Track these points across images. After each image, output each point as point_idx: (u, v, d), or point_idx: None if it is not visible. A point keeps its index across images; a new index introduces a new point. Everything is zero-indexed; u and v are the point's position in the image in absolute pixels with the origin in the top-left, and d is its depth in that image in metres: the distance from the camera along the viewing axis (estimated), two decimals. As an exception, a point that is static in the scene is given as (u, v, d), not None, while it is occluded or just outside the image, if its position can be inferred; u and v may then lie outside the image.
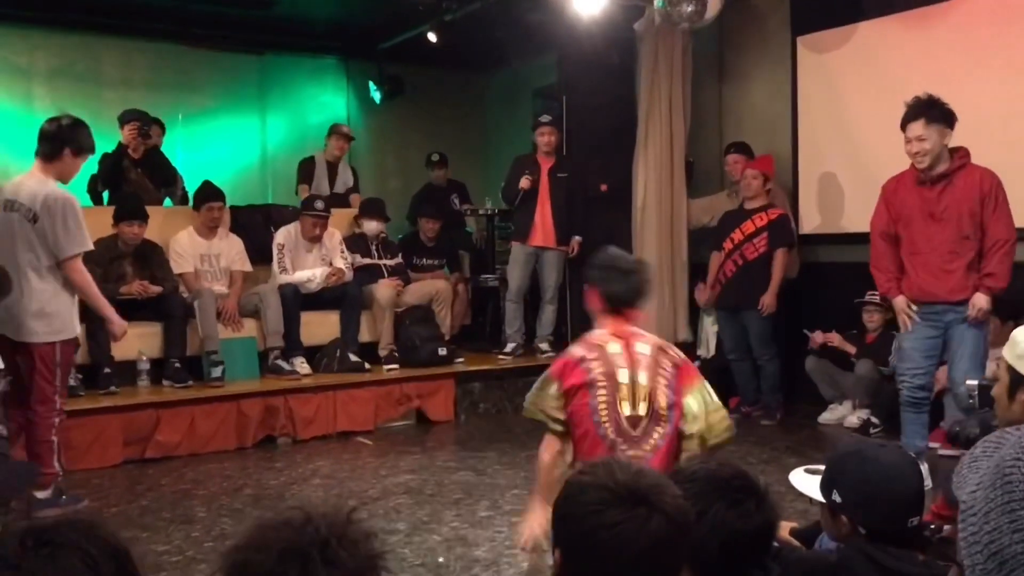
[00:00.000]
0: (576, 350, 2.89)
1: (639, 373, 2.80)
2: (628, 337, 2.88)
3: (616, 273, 2.98)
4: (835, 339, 6.15)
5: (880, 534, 1.93)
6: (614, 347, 2.85)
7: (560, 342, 7.31)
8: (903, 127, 4.57)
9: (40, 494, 4.26)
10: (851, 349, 6.05)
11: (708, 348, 7.09)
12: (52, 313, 4.30)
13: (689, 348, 7.24)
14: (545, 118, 7.13)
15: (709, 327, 7.08)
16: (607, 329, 2.91)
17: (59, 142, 4.31)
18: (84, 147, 4.38)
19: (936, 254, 4.58)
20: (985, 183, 4.50)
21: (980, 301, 4.47)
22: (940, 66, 5.90)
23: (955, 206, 4.53)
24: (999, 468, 0.92)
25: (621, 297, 2.94)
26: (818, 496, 2.07)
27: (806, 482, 2.18)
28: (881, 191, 4.88)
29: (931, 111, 4.46)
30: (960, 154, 4.60)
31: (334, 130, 7.64)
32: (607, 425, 2.76)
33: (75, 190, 6.58)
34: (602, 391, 2.77)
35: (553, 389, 2.85)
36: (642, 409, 2.76)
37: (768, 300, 6.15)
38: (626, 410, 2.75)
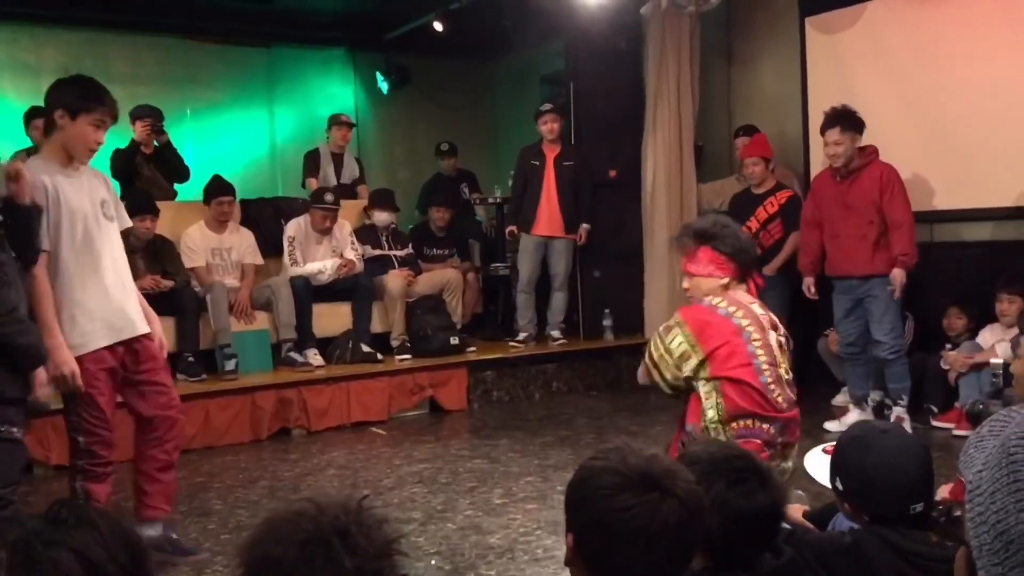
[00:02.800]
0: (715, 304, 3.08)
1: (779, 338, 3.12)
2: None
3: (741, 237, 3.22)
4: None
5: (884, 519, 1.93)
6: (757, 308, 3.11)
7: (571, 330, 7.33)
8: (822, 133, 5.36)
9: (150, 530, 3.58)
10: None
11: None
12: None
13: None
14: (546, 106, 7.12)
15: (721, 312, 7.06)
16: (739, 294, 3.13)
17: (48, 107, 3.39)
18: (70, 105, 3.32)
19: (849, 238, 5.34)
20: (884, 176, 5.24)
21: (897, 276, 5.19)
22: (947, 44, 5.87)
23: (861, 196, 5.28)
24: (1004, 447, 0.91)
25: (749, 260, 3.20)
26: (827, 482, 2.08)
27: (819, 466, 2.18)
28: (810, 186, 5.67)
29: (845, 120, 5.24)
30: (867, 152, 5.31)
31: (334, 120, 7.63)
32: (767, 372, 3.00)
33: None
34: (757, 342, 3.00)
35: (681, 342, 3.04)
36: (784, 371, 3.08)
37: (771, 266, 6.11)
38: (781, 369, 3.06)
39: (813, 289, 5.65)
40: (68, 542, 1.10)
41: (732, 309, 3.04)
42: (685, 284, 3.25)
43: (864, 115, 6.33)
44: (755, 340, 3.00)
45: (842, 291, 5.50)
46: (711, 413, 2.96)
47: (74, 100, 3.33)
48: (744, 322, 3.02)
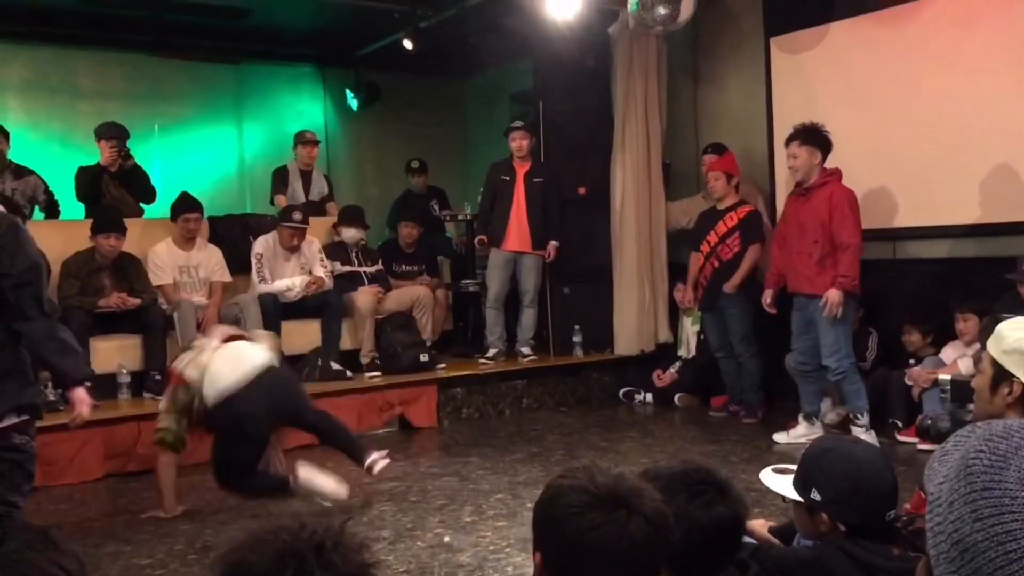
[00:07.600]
0: None
1: None
2: None
3: None
4: None
5: (860, 529, 1.97)
6: None
7: (541, 345, 7.35)
8: (786, 146, 5.51)
9: None
10: None
11: (688, 349, 7.13)
12: None
13: (670, 349, 7.30)
14: (517, 123, 7.16)
15: (689, 328, 7.12)
16: None
17: None
18: None
19: (800, 255, 5.45)
20: (835, 197, 5.31)
21: (832, 296, 5.24)
22: (909, 64, 5.99)
23: (811, 215, 5.38)
24: (964, 459, 0.95)
25: None
26: (791, 494, 2.10)
27: (778, 481, 2.21)
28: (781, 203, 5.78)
29: (806, 135, 5.36)
30: (827, 173, 5.39)
31: (299, 139, 7.63)
32: None
33: (65, 199, 6.58)
34: None
35: None
36: None
37: (730, 283, 6.19)
38: None
39: (769, 301, 5.75)
40: (49, 554, 1.16)
41: None
42: None
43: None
44: None
45: (797, 308, 5.58)
46: None
47: None
48: None
